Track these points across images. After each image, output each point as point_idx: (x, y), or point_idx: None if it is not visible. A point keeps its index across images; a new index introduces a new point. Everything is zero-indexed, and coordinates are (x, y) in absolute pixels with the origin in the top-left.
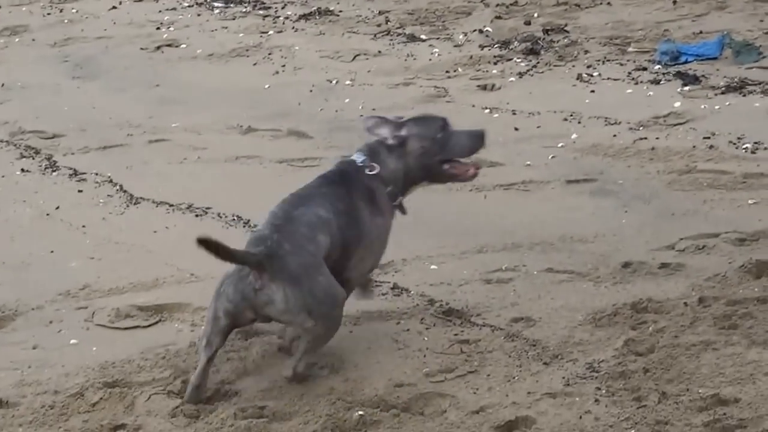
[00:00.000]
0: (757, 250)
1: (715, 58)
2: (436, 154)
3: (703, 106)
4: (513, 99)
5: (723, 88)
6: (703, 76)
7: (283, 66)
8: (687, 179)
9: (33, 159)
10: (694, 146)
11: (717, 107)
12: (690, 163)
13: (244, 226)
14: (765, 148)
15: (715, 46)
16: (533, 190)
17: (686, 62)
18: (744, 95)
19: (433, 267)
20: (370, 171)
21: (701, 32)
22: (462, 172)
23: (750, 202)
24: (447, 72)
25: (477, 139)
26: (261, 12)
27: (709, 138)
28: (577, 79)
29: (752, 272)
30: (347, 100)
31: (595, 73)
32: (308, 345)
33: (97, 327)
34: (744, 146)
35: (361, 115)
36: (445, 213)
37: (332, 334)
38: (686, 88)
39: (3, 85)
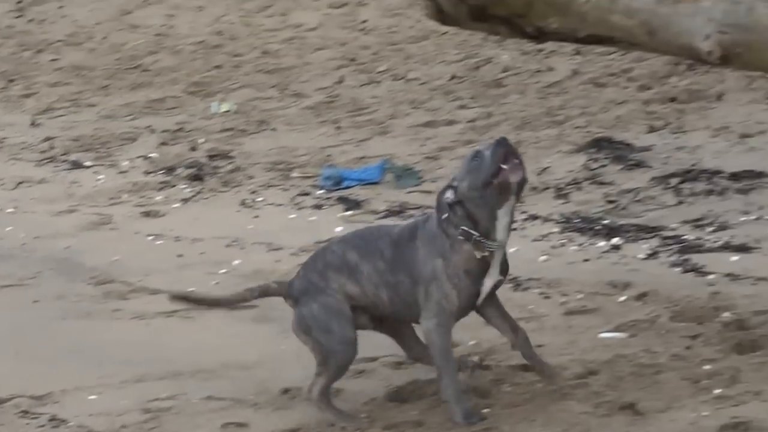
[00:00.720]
0: (414, 372)
1: (376, 183)
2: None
3: None
4: (177, 225)
5: (384, 212)
6: (365, 200)
7: None
8: None
9: None
10: None
11: None
12: None
13: None
14: None
15: (377, 171)
16: (196, 317)
17: (349, 187)
18: (404, 219)
19: (92, 397)
20: (441, 216)
21: (364, 157)
22: (505, 179)
23: None
24: (111, 199)
25: (498, 149)
26: None
27: None
28: (241, 204)
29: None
30: (9, 228)
31: (259, 199)
32: (318, 368)
33: None
34: None
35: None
36: (106, 342)
37: (335, 364)
38: (348, 212)
39: None
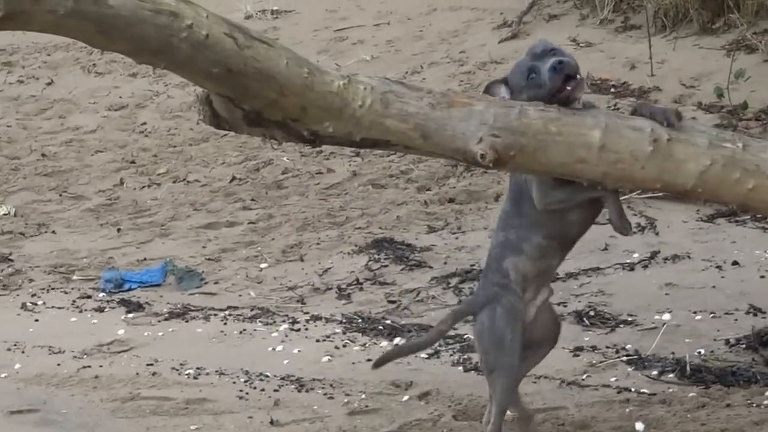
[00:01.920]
0: None
1: (158, 285)
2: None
3: (146, 333)
4: None
5: (166, 315)
6: (147, 302)
7: None
8: (131, 406)
9: None
10: (137, 373)
11: (160, 333)
12: (133, 390)
13: None
14: (207, 374)
15: (159, 273)
16: None
17: (130, 289)
18: (187, 321)
19: None
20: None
21: (145, 259)
22: (573, 96)
23: (192, 428)
24: None
25: (556, 76)
26: None
27: (152, 365)
28: (22, 308)
29: None
30: None
31: (39, 302)
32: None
33: None
34: (187, 372)
35: None
36: None
37: (500, 383)
38: (130, 315)
39: None
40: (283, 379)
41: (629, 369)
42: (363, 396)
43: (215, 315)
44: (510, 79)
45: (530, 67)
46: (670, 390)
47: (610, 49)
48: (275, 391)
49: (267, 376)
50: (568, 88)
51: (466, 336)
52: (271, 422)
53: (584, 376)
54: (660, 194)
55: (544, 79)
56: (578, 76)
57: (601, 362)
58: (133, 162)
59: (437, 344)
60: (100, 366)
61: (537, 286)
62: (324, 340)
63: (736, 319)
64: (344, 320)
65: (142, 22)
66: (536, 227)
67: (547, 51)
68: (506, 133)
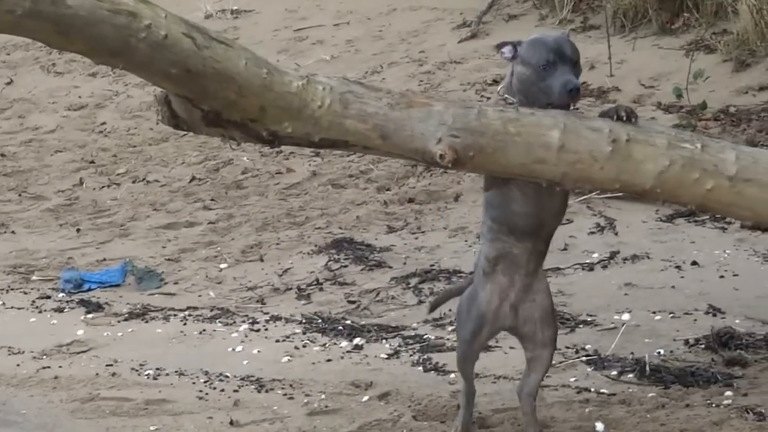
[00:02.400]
0: None
1: (118, 285)
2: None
3: (106, 334)
4: None
5: (126, 315)
6: (106, 303)
7: None
8: (90, 407)
9: None
10: (97, 374)
11: (120, 334)
12: (93, 391)
13: None
14: (166, 374)
15: (119, 274)
16: None
17: (90, 290)
18: (147, 321)
19: None
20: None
21: (105, 259)
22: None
23: (152, 428)
24: None
25: (566, 96)
26: None
27: (112, 365)
28: None
29: None
30: None
31: None
32: None
33: None
34: (146, 373)
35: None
36: None
37: (456, 353)
38: (90, 315)
39: None
40: (242, 379)
41: (589, 369)
42: (323, 396)
43: (175, 315)
44: (523, 56)
45: (545, 69)
46: (630, 390)
47: None
48: (235, 391)
49: (227, 377)
50: (571, 106)
51: (426, 336)
52: (231, 423)
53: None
54: (619, 194)
55: (554, 93)
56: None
57: (560, 362)
58: (92, 162)
59: (397, 345)
60: (60, 366)
61: (505, 271)
62: (284, 341)
63: (695, 320)
64: (304, 320)
65: (100, 22)
66: (487, 209)
67: (566, 57)
68: (465, 133)
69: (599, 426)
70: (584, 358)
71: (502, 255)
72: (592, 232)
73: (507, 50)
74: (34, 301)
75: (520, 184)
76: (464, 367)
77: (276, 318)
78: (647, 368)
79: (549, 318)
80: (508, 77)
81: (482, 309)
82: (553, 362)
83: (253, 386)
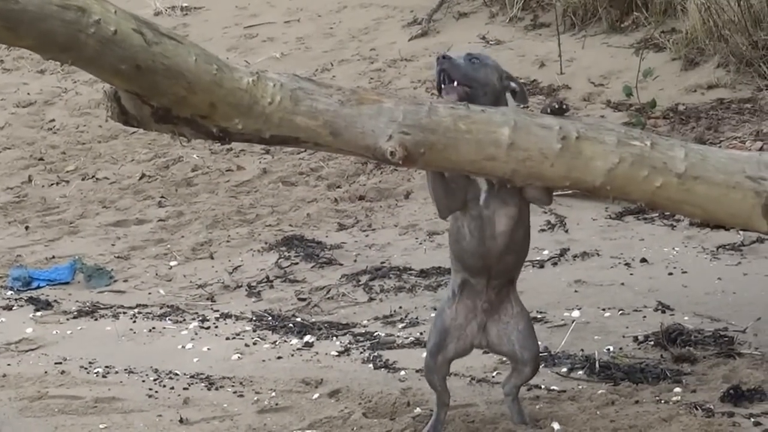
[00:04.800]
0: None
1: (67, 283)
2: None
3: (55, 332)
4: None
5: (75, 313)
6: (55, 301)
7: None
8: (39, 405)
9: None
10: (45, 372)
11: (69, 332)
12: (42, 389)
13: None
14: (116, 372)
15: (68, 271)
16: None
17: (39, 287)
18: (96, 319)
19: None
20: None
21: (54, 257)
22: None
23: (101, 426)
24: None
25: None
26: None
27: (61, 363)
28: None
29: None
30: None
31: None
32: None
33: None
34: (96, 370)
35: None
36: None
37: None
38: (39, 313)
39: None
40: (192, 377)
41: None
42: (273, 394)
43: (124, 313)
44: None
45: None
46: (580, 387)
47: (520, 47)
48: (185, 389)
49: (176, 375)
50: (443, 91)
51: (376, 334)
52: (181, 420)
53: (494, 374)
54: (569, 192)
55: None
56: (455, 83)
57: None
58: (41, 159)
59: (347, 342)
60: (8, 365)
61: (469, 296)
62: (234, 338)
63: (644, 316)
64: (254, 318)
65: (49, 18)
66: (449, 241)
67: (461, 54)
68: (416, 130)
69: (556, 426)
70: None
71: (464, 283)
72: (543, 230)
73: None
74: None
75: (469, 219)
76: (431, 379)
77: (226, 316)
78: (597, 365)
79: (527, 340)
80: None
81: (446, 324)
82: (504, 359)
83: (203, 384)
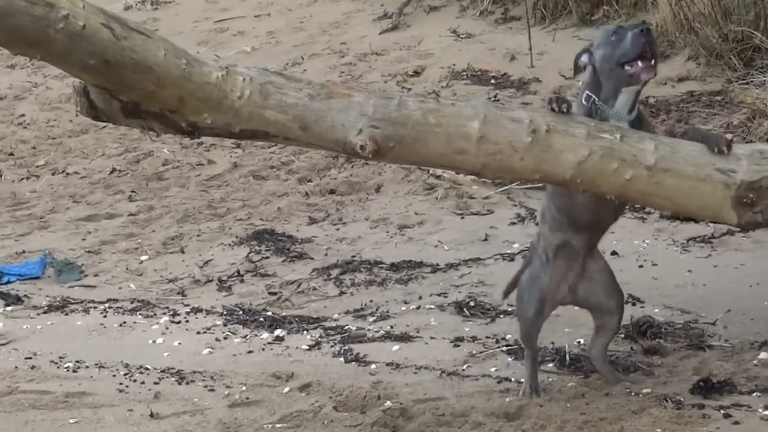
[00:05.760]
0: None
1: (37, 278)
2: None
3: (25, 326)
4: None
5: (45, 308)
6: (25, 295)
7: None
8: (9, 400)
9: None
10: (16, 367)
11: (39, 327)
12: (12, 384)
13: None
14: (87, 367)
15: (38, 266)
16: None
17: (9, 282)
18: (66, 314)
19: None
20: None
21: (24, 252)
22: (637, 74)
23: (71, 421)
24: None
25: (640, 40)
26: None
27: (31, 358)
28: None
29: None
30: None
31: None
32: None
33: None
34: (66, 365)
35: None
36: None
37: (520, 332)
38: (9, 308)
39: None
40: (163, 371)
41: (509, 359)
42: (244, 388)
43: (95, 308)
44: (595, 43)
45: (617, 29)
46: (550, 379)
47: (491, 41)
48: (155, 383)
49: (147, 369)
50: (640, 63)
51: (347, 327)
52: (151, 415)
53: (464, 367)
54: (540, 185)
55: (626, 40)
56: (653, 61)
57: (481, 352)
58: (11, 154)
59: (318, 336)
60: None
61: (564, 257)
62: (205, 333)
63: None
64: (225, 312)
65: (17, 13)
66: (552, 198)
67: (639, 25)
68: (385, 124)
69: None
70: (505, 348)
71: (561, 246)
72: (513, 223)
73: (584, 58)
74: None
75: None
76: (529, 343)
77: (197, 310)
78: (567, 357)
79: (611, 290)
80: (587, 79)
81: (544, 291)
82: (474, 352)
83: (173, 378)
